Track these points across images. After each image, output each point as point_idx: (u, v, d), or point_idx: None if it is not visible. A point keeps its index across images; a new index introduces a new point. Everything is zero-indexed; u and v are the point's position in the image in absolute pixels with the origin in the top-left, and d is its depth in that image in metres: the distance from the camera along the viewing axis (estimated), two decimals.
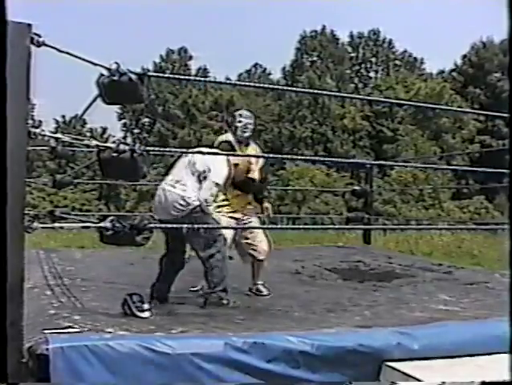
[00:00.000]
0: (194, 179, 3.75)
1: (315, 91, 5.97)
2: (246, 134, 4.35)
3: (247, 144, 4.42)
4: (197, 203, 3.70)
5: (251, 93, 30.32)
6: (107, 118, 41.79)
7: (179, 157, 3.98)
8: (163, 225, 3.67)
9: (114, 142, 2.73)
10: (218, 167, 3.80)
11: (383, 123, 29.14)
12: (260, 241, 4.33)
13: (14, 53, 2.15)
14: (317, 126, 29.43)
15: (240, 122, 4.35)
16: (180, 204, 3.68)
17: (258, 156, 4.56)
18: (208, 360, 2.49)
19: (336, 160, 24.52)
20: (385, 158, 25.05)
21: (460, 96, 29.02)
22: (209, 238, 3.71)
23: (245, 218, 4.36)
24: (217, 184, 3.75)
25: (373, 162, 17.09)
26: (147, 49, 44.91)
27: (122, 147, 2.64)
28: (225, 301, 3.71)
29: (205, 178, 3.74)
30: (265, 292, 4.31)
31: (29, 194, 20.22)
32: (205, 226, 3.67)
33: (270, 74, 35.76)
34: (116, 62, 2.60)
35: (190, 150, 3.90)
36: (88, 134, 28.32)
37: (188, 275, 4.04)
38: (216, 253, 3.72)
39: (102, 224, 2.75)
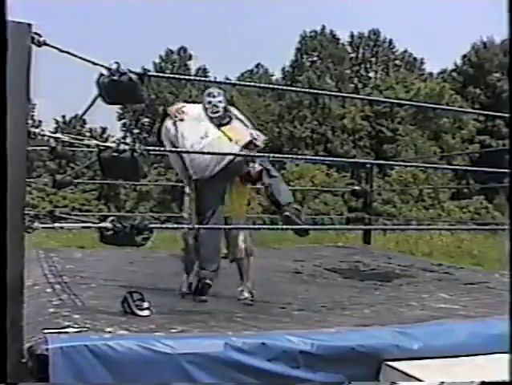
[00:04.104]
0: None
1: (315, 91, 5.98)
2: (218, 114, 3.94)
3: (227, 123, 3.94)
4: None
5: (251, 93, 30.30)
6: (107, 118, 41.79)
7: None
8: (163, 226, 3.66)
9: (114, 142, 2.73)
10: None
11: (383, 123, 29.14)
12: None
13: (14, 53, 2.15)
14: (317, 126, 29.45)
15: (209, 102, 3.97)
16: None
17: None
18: (208, 360, 2.49)
19: (336, 159, 24.56)
20: (385, 158, 25.04)
21: (460, 96, 29.02)
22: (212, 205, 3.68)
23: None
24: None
25: (373, 161, 17.06)
26: (147, 49, 44.91)
27: (122, 146, 2.64)
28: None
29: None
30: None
31: (29, 194, 20.20)
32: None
33: (272, 75, 35.75)
34: (117, 62, 2.60)
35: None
36: (88, 134, 28.30)
37: None
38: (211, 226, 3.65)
39: (102, 225, 2.75)
